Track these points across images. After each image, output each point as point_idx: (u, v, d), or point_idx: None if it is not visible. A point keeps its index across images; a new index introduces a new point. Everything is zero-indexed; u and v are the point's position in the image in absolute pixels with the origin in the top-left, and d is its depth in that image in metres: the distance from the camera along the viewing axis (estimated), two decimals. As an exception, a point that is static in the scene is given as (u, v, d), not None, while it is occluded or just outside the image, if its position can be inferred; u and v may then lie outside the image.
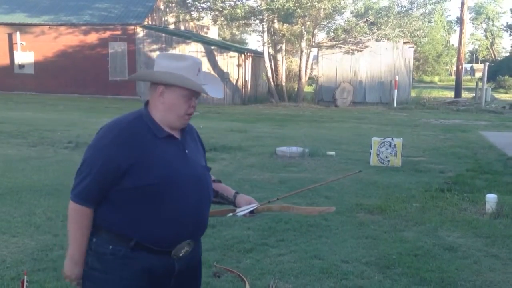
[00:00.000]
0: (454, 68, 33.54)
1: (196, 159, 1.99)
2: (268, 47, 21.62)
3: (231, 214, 2.07)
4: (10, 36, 23.47)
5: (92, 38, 22.97)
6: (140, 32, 22.37)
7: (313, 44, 22.32)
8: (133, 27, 22.45)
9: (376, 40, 21.09)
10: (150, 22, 23.37)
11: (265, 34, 21.22)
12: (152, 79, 1.91)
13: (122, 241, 1.82)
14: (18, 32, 23.21)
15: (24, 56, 23.40)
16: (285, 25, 21.56)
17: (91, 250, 1.86)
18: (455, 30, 49.83)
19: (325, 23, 22.47)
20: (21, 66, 23.40)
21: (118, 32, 22.62)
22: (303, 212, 2.64)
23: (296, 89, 22.81)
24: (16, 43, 23.29)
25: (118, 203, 1.82)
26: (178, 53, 1.92)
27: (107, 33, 22.77)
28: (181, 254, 1.90)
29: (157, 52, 22.10)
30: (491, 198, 5.53)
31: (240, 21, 21.76)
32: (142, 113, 1.90)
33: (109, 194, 1.82)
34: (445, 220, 5.24)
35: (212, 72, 21.60)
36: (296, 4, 19.31)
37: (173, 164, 1.86)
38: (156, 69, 1.89)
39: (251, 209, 2.06)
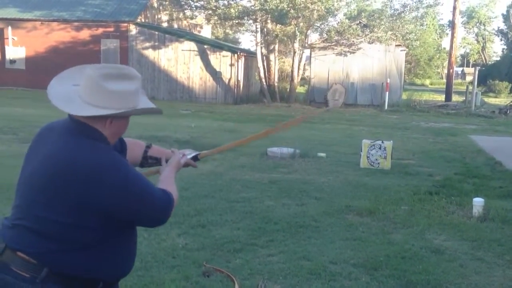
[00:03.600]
0: (445, 71, 33.80)
1: None
2: (261, 47, 21.66)
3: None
4: (1, 31, 23.30)
5: (85, 34, 22.87)
6: (133, 30, 22.31)
7: (306, 45, 22.39)
8: (126, 24, 22.38)
9: (369, 43, 21.20)
10: (143, 20, 23.32)
11: (258, 34, 21.25)
12: (130, 114, 1.72)
13: (90, 285, 1.68)
14: (9, 27, 23.05)
15: (16, 51, 23.24)
16: (278, 26, 21.60)
17: None
18: (447, 34, 50.18)
19: (318, 25, 22.54)
20: (12, 61, 23.24)
21: (111, 29, 22.54)
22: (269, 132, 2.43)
23: (288, 90, 22.86)
24: (7, 38, 23.13)
25: (96, 245, 1.65)
26: (114, 65, 1.74)
27: (100, 30, 22.68)
28: None
29: (150, 50, 22.08)
30: (478, 202, 5.61)
31: (234, 21, 21.78)
32: (104, 140, 1.70)
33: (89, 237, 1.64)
34: (433, 223, 5.31)
35: (204, 71, 21.63)
36: (290, 5, 19.37)
37: None
38: (102, 93, 1.63)
39: (194, 154, 2.10)
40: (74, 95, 1.68)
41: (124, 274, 1.81)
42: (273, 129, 2.29)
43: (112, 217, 1.64)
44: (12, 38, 23.14)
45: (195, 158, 2.11)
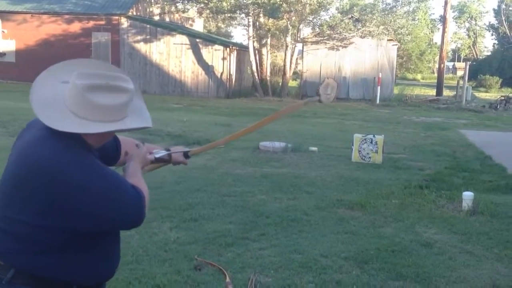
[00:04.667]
0: (437, 66, 33.93)
1: None
2: (254, 41, 21.63)
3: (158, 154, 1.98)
4: (-9, 23, 23.09)
5: (75, 27, 22.70)
6: (125, 23, 22.17)
7: (298, 39, 22.39)
8: (117, 17, 22.23)
9: (361, 37, 21.24)
10: (134, 13, 23.16)
11: (251, 28, 21.22)
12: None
13: (61, 287, 1.62)
14: (-1, 20, 22.86)
15: (6, 44, 23.03)
16: (271, 20, 21.59)
17: None
18: (439, 29, 50.34)
19: (311, 19, 22.54)
20: (2, 54, 23.03)
21: (102, 22, 22.39)
22: (275, 117, 2.18)
23: (280, 84, 22.88)
24: (-3, 31, 22.94)
25: (66, 247, 1.58)
26: (104, 74, 1.58)
27: (91, 23, 22.52)
28: None
29: (142, 43, 21.94)
30: (467, 195, 5.66)
31: (226, 14, 21.71)
32: (80, 141, 1.58)
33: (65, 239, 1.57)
34: (423, 217, 5.35)
35: (196, 64, 21.54)
36: (282, -1, 19.35)
37: None
38: (86, 106, 1.53)
39: (165, 153, 2.00)
40: (59, 97, 1.57)
41: (102, 279, 1.72)
42: (262, 122, 2.22)
43: (80, 219, 1.53)
44: (2, 31, 22.91)
45: (186, 155, 2.07)
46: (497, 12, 50.28)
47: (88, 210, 1.52)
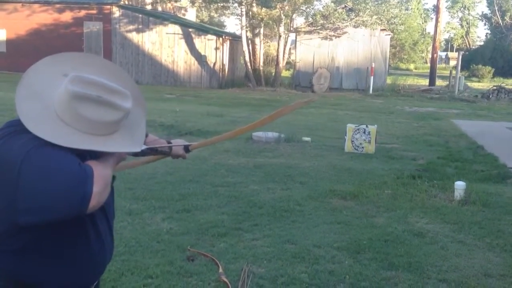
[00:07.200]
0: (430, 56, 33.95)
1: None
2: (246, 31, 21.51)
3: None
4: (-20, 13, 22.81)
5: (67, 16, 22.47)
6: (116, 12, 21.96)
7: (292, 29, 22.29)
8: (109, 6, 22.02)
9: (354, 27, 21.19)
10: (126, 2, 22.94)
11: (244, 18, 21.09)
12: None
13: None
14: (-11, 9, 22.57)
15: (-4, 34, 22.80)
16: (264, 9, 21.44)
17: None
18: (432, 18, 50.35)
19: (304, 8, 22.44)
20: (-8, 44, 22.81)
21: (94, 11, 22.18)
22: (275, 116, 2.06)
23: (273, 74, 22.80)
24: (-13, 20, 22.67)
25: (34, 247, 1.48)
26: (102, 84, 1.46)
27: (82, 12, 22.30)
28: None
29: (134, 33, 21.76)
30: (459, 185, 5.68)
31: (219, 4, 21.56)
32: None
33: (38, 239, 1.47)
34: (415, 207, 5.37)
35: (189, 54, 21.40)
36: (275, -12, 19.23)
37: None
38: (71, 114, 1.44)
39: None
40: (51, 90, 1.48)
41: (81, 284, 1.61)
42: (267, 118, 2.16)
43: (22, 194, 1.36)
44: (-8, 20, 22.66)
45: (186, 149, 2.06)
46: (490, 2, 50.33)
47: (26, 180, 1.35)
